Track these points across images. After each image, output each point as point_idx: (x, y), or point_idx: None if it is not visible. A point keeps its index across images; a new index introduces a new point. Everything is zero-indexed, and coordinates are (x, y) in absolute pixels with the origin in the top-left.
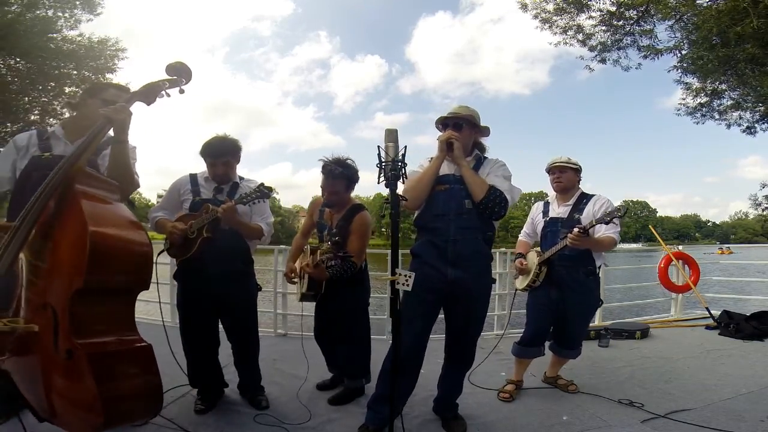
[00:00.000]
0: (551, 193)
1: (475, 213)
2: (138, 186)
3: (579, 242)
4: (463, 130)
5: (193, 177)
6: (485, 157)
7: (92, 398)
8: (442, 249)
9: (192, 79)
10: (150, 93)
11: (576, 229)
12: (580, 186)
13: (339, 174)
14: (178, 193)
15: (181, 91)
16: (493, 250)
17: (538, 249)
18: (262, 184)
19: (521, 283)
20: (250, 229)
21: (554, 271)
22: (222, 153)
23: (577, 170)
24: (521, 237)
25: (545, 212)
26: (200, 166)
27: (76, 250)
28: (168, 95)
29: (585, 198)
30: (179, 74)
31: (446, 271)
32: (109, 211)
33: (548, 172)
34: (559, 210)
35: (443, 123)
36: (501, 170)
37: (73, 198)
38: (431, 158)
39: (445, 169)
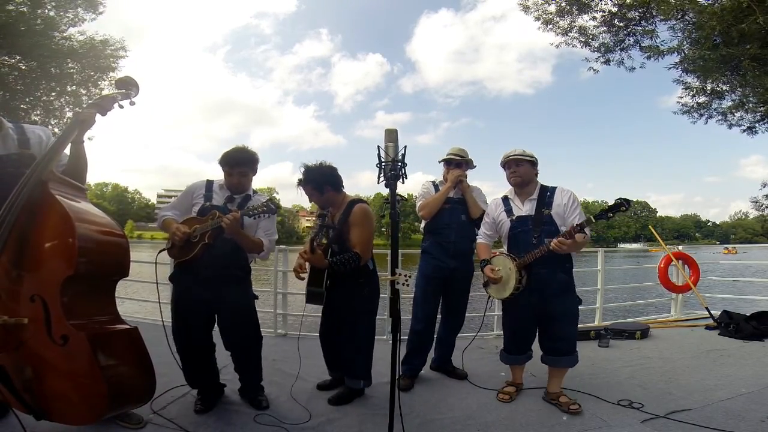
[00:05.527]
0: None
1: (467, 224)
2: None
3: (564, 248)
4: (462, 166)
5: (209, 183)
6: (469, 185)
7: (94, 380)
8: (446, 247)
9: (140, 91)
10: (105, 104)
11: (561, 238)
12: (538, 179)
13: (303, 182)
14: (191, 196)
15: (132, 103)
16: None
17: (503, 250)
18: (270, 200)
19: (500, 292)
20: (250, 242)
21: (534, 274)
22: (240, 163)
23: (534, 163)
24: (481, 240)
25: (509, 211)
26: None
27: (62, 242)
28: (121, 107)
29: (547, 191)
30: (129, 87)
31: (448, 262)
32: (84, 207)
33: (503, 167)
34: (524, 207)
35: (447, 161)
36: (481, 196)
37: (50, 198)
38: (432, 182)
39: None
